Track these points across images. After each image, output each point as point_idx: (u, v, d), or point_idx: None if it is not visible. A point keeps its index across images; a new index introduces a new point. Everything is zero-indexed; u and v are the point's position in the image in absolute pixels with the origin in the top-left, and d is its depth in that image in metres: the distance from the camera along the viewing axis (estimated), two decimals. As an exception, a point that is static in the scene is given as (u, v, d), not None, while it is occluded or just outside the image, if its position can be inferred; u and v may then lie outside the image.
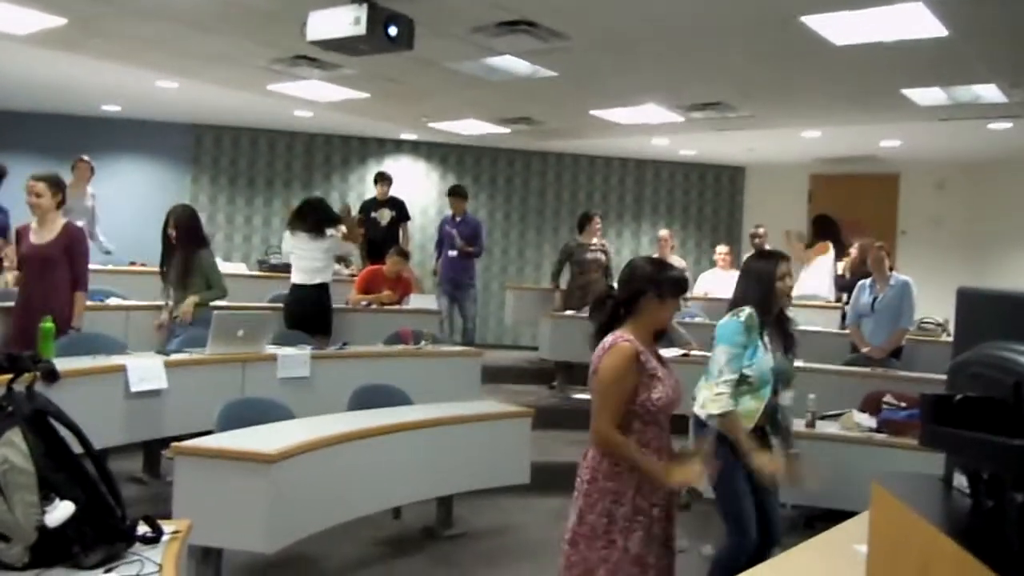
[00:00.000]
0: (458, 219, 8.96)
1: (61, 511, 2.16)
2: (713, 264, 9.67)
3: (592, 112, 8.25)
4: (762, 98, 7.33)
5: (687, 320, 7.36)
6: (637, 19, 5.36)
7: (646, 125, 8.70)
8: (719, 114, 7.89)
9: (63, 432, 2.32)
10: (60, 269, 5.09)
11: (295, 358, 5.42)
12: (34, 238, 5.14)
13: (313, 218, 6.71)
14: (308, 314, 6.49)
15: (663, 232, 9.52)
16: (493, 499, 5.37)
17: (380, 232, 8.92)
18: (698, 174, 12.19)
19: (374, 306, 7.47)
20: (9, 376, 2.43)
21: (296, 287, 6.71)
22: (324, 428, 4.09)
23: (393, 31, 4.97)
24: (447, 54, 6.34)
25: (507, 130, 9.60)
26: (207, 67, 7.32)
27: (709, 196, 12.27)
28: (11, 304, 5.26)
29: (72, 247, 5.16)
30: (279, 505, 3.59)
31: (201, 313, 5.63)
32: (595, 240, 8.50)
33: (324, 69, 7.01)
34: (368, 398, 4.88)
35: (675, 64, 6.42)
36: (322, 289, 6.70)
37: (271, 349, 5.44)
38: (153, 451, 5.38)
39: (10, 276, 5.45)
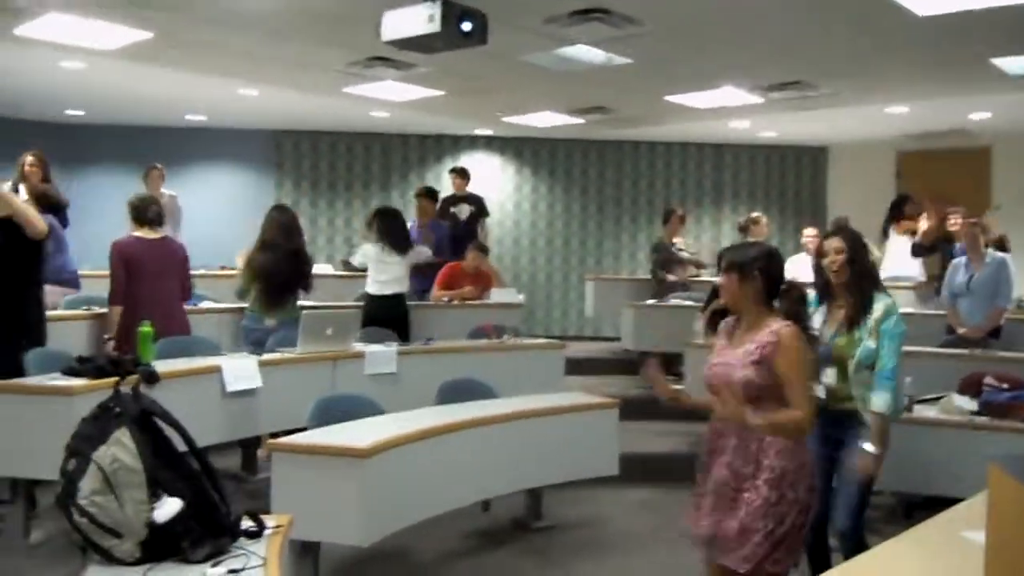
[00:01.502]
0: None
1: (169, 507, 2.24)
2: (800, 248, 9.43)
3: (668, 98, 8.14)
4: (843, 75, 7.12)
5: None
6: (711, 0, 5.27)
7: (724, 108, 8.54)
8: (799, 94, 7.69)
9: (168, 431, 2.41)
10: None
11: (382, 355, 5.50)
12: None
13: (399, 234, 6.79)
14: (388, 323, 6.52)
15: (755, 215, 9.16)
16: (582, 491, 5.35)
17: (460, 227, 8.96)
18: (779, 156, 11.92)
19: (456, 302, 7.53)
20: (116, 379, 2.53)
21: (375, 297, 6.70)
22: (413, 423, 4.14)
23: (467, 26, 4.98)
24: (520, 47, 6.34)
25: (582, 120, 9.54)
26: (285, 73, 7.48)
27: (791, 179, 11.99)
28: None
29: None
30: (373, 499, 3.65)
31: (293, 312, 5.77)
32: (678, 239, 8.45)
33: (399, 69, 7.09)
34: (454, 392, 4.92)
35: (751, 44, 6.29)
36: (401, 298, 6.76)
37: (358, 346, 5.54)
38: (250, 449, 5.53)
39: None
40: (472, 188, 9.39)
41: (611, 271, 11.33)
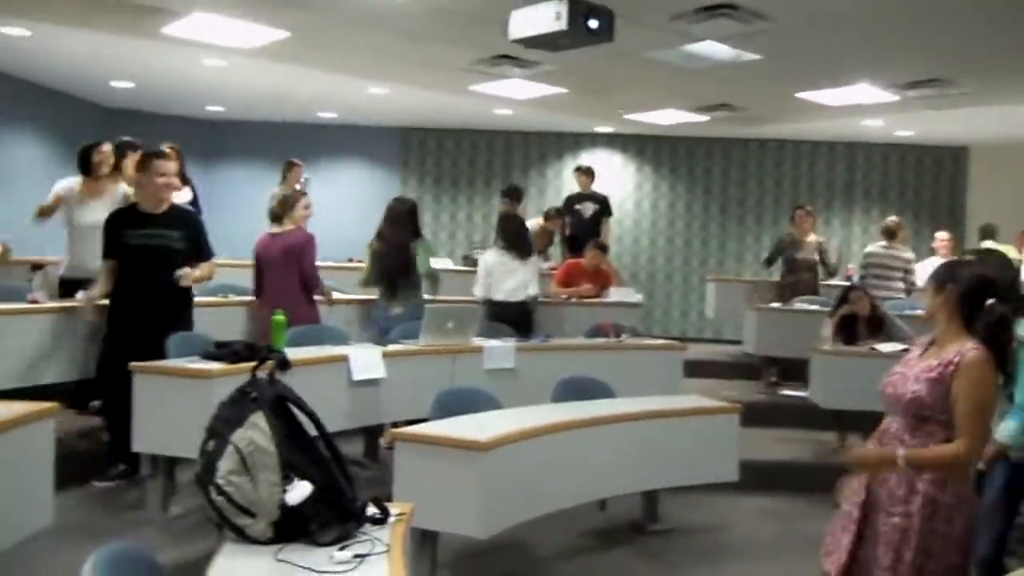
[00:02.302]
0: None
1: (300, 490, 2.32)
2: (932, 252, 8.99)
3: (798, 95, 7.90)
4: (985, 73, 6.74)
5: (907, 312, 6.89)
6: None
7: (857, 106, 8.22)
8: (937, 92, 7.33)
9: (300, 417, 2.50)
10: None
11: (501, 350, 5.55)
12: None
13: (523, 241, 6.84)
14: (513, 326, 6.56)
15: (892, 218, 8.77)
16: (700, 496, 5.26)
17: (583, 225, 8.94)
18: (915, 156, 11.38)
19: (574, 299, 7.53)
20: (253, 364, 2.64)
21: (499, 304, 6.66)
22: (531, 418, 4.15)
23: (594, 24, 4.96)
24: (646, 44, 6.27)
25: (706, 118, 9.37)
26: (414, 72, 7.64)
27: (927, 180, 11.43)
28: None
29: None
30: (491, 492, 3.69)
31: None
32: (811, 237, 8.16)
33: (523, 67, 7.14)
34: (572, 390, 4.92)
35: (888, 40, 6.03)
36: (526, 304, 6.77)
37: (478, 341, 5.60)
38: (373, 436, 5.69)
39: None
40: (592, 185, 9.37)
41: (733, 272, 11.08)
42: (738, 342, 8.69)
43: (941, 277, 2.87)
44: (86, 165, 5.63)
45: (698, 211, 11.61)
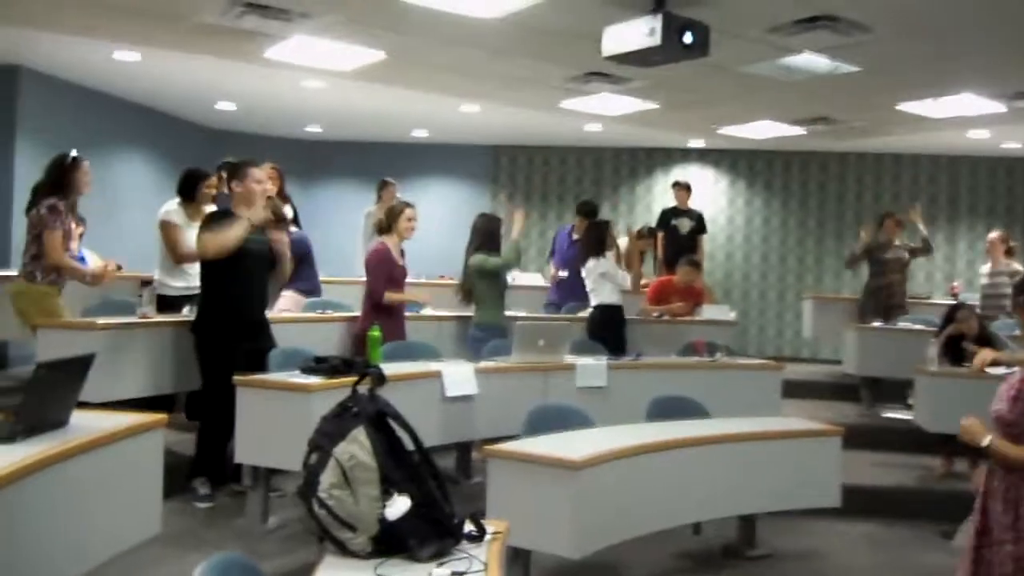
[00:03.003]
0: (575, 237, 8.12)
1: (399, 505, 2.34)
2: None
3: (899, 107, 7.66)
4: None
5: (1016, 333, 6.56)
6: (948, 3, 4.90)
7: (961, 118, 7.92)
8: (1050, 102, 7.01)
9: (399, 432, 2.52)
10: None
11: (592, 368, 5.51)
12: (399, 260, 5.89)
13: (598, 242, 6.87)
14: (599, 334, 6.57)
15: (993, 234, 8.47)
16: (799, 521, 5.10)
17: (679, 242, 8.85)
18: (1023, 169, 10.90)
19: (666, 317, 7.43)
20: (351, 379, 2.68)
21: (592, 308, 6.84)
22: (625, 438, 4.10)
23: (688, 39, 4.92)
24: (741, 57, 6.18)
25: (803, 131, 9.16)
26: (506, 90, 7.70)
27: (1038, 194, 10.93)
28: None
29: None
30: (584, 511, 3.65)
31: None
32: (898, 240, 7.93)
33: (615, 83, 7.12)
34: (666, 409, 4.84)
35: (994, 49, 5.80)
36: (602, 310, 6.74)
37: (570, 359, 5.58)
38: (465, 452, 5.72)
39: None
40: (689, 202, 9.29)
41: (831, 290, 10.77)
42: (837, 362, 8.43)
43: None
44: (191, 190, 5.76)
45: (794, 226, 11.35)
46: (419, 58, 6.65)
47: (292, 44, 6.21)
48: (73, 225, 5.29)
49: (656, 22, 4.87)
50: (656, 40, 4.87)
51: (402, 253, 5.99)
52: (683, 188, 9.20)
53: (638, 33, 4.95)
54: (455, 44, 6.16)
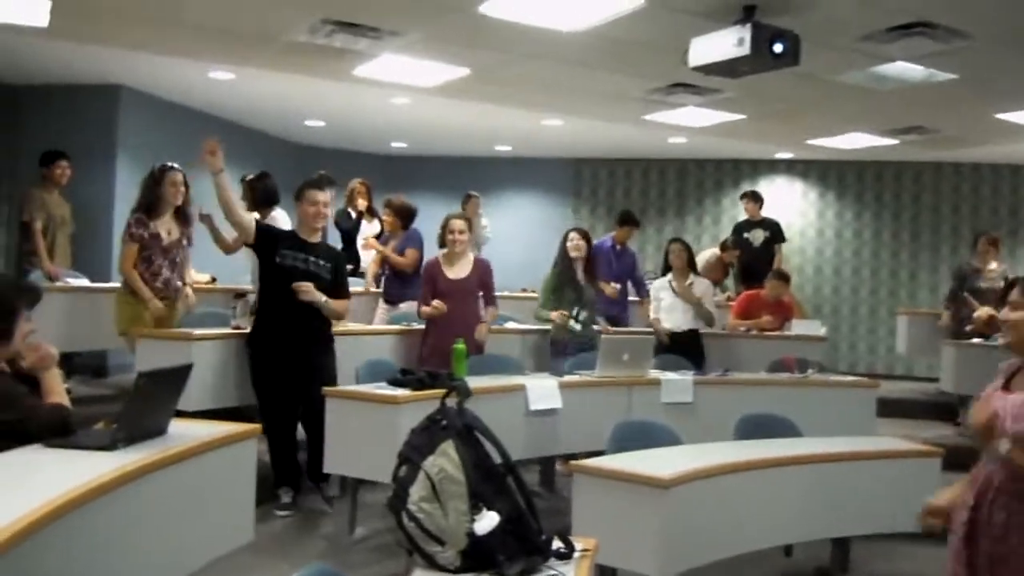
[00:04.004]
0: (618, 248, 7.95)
1: (488, 520, 2.32)
2: None
3: (998, 115, 7.38)
4: None
5: None
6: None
7: (1067, 127, 7.58)
8: None
9: (487, 446, 2.51)
10: (475, 299, 5.80)
11: (678, 383, 5.42)
12: (450, 273, 5.74)
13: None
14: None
15: None
16: (896, 545, 4.88)
17: (752, 253, 8.67)
18: None
19: (754, 332, 7.28)
20: (440, 392, 2.69)
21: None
22: (714, 456, 4.01)
23: (778, 48, 4.82)
24: (832, 66, 6.04)
25: (895, 141, 8.89)
26: (589, 103, 7.69)
27: None
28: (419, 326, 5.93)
29: (485, 279, 5.86)
30: (673, 531, 3.58)
31: None
32: (993, 265, 7.53)
33: (701, 94, 7.03)
34: (755, 427, 4.72)
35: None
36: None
37: (654, 373, 5.51)
38: (548, 467, 5.69)
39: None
40: (771, 213, 9.08)
41: (926, 305, 10.38)
42: (934, 379, 8.11)
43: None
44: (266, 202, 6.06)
45: (887, 239, 10.99)
46: (502, 73, 6.69)
47: (380, 62, 6.32)
48: (180, 239, 5.47)
49: (745, 32, 4.79)
50: (745, 50, 4.78)
51: (481, 263, 5.92)
52: (751, 198, 8.94)
53: (726, 43, 4.88)
54: (538, 58, 6.17)
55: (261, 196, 6.04)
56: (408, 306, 6.35)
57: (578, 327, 6.09)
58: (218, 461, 3.06)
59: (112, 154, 8.01)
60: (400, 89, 7.38)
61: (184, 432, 3.01)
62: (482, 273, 5.87)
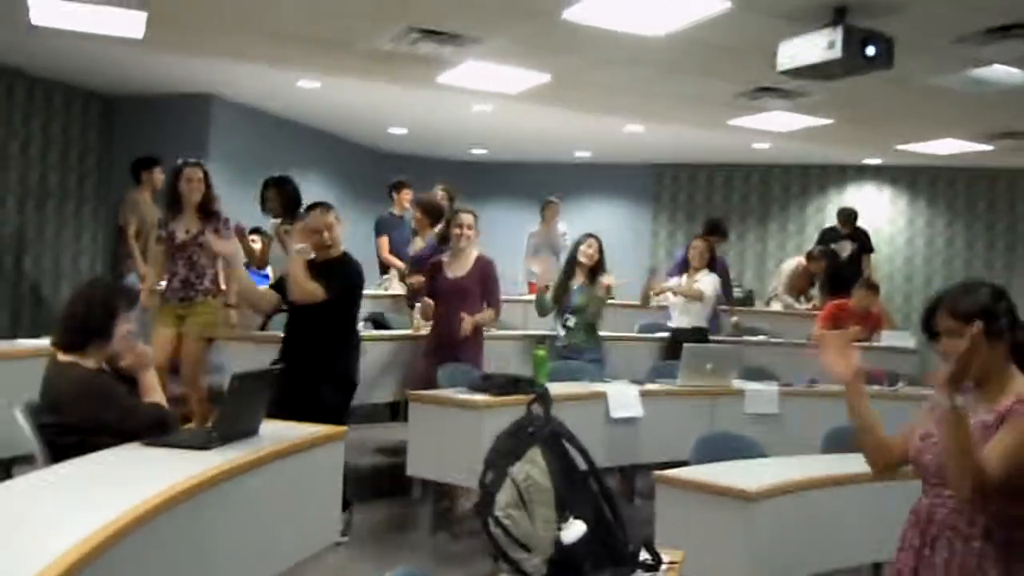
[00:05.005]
0: None
1: (575, 529, 2.30)
2: None
3: (1102, 120, 7.04)
4: None
5: None
6: None
7: None
8: None
9: (573, 454, 2.50)
10: (475, 299, 5.33)
11: (763, 394, 5.32)
12: (449, 272, 5.38)
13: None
14: None
15: None
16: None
17: (839, 263, 8.49)
18: None
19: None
20: (526, 398, 2.69)
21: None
22: (801, 469, 3.91)
23: (871, 51, 4.70)
24: (925, 69, 5.85)
25: (990, 147, 8.56)
26: (672, 108, 7.61)
27: None
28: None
29: (485, 279, 5.39)
30: (759, 544, 3.51)
31: None
32: None
33: (787, 99, 6.89)
34: (843, 441, 4.57)
35: None
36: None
37: (738, 384, 5.41)
38: (628, 476, 5.64)
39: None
40: (859, 221, 8.89)
41: (1023, 316, 9.96)
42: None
43: (986, 312, 2.28)
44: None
45: (980, 249, 10.59)
46: (585, 79, 6.67)
47: (463, 69, 6.37)
48: (196, 237, 5.08)
49: (836, 35, 4.68)
50: (836, 53, 4.68)
51: (482, 262, 5.47)
52: (844, 217, 8.93)
53: (816, 47, 4.78)
54: (621, 63, 6.13)
55: (290, 200, 6.08)
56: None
57: (562, 332, 5.88)
58: (308, 461, 3.12)
59: (204, 161, 8.23)
60: (482, 96, 7.42)
61: (274, 433, 3.08)
62: (482, 273, 5.41)
